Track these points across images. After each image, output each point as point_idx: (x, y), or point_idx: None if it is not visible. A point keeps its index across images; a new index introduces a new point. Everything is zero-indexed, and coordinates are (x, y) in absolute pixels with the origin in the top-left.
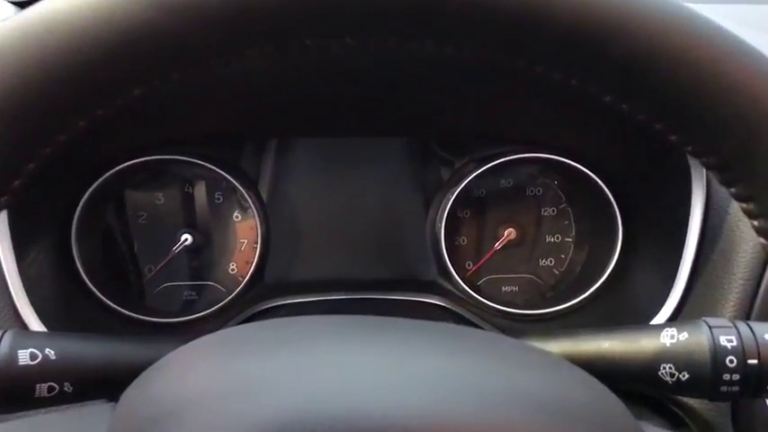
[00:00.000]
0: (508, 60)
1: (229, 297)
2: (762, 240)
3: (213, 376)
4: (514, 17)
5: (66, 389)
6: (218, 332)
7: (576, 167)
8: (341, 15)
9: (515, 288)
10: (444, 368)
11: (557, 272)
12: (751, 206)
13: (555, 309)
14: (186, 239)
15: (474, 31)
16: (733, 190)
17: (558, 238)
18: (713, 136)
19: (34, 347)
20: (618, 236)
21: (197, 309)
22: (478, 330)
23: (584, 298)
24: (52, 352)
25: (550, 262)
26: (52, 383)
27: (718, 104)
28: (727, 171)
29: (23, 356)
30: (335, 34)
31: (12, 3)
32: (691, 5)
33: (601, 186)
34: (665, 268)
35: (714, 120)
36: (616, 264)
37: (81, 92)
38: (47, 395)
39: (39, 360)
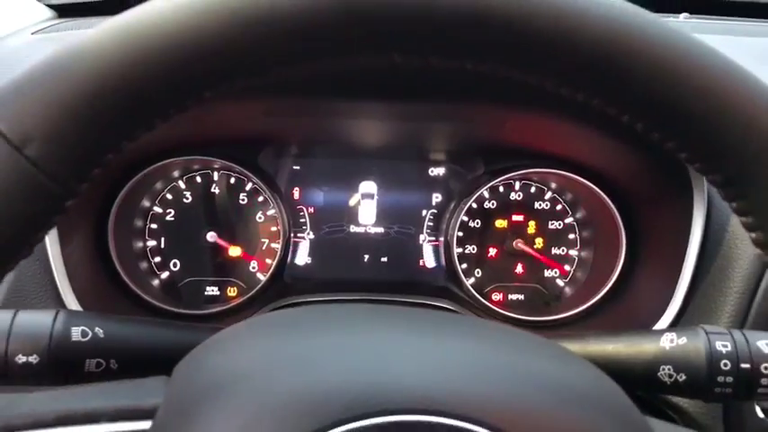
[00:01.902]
0: (537, 81)
1: (249, 294)
2: (759, 251)
3: (264, 351)
4: (546, 45)
5: (111, 365)
6: (266, 314)
7: (582, 182)
8: (389, 36)
9: (521, 296)
10: (473, 351)
11: (561, 283)
12: (750, 220)
13: (560, 316)
14: (211, 237)
15: (509, 55)
16: (734, 205)
17: (563, 250)
18: (719, 156)
19: (85, 326)
20: (621, 249)
21: (218, 303)
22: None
23: (589, 306)
24: (101, 331)
25: (556, 273)
26: (100, 360)
27: (725, 128)
28: (730, 187)
29: (76, 333)
30: (384, 52)
31: (48, 6)
32: (700, 38)
33: (606, 201)
34: (666, 280)
35: (721, 141)
36: (619, 275)
37: (161, 91)
38: (95, 370)
39: (89, 337)
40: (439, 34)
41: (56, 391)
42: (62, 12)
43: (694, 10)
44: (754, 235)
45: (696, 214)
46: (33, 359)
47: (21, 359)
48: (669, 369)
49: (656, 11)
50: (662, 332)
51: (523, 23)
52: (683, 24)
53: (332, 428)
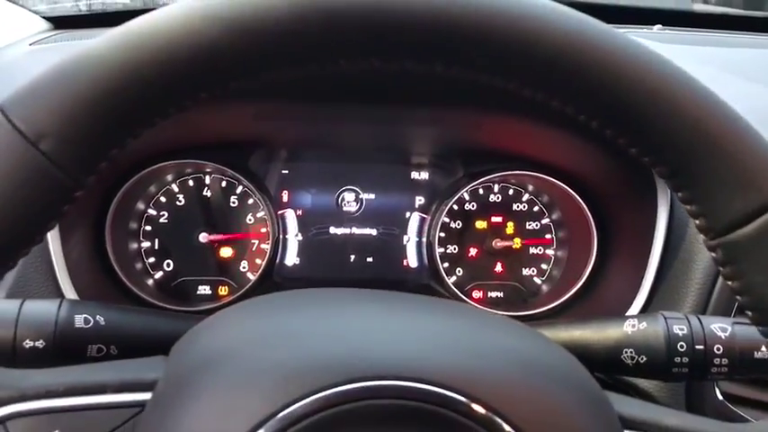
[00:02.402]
0: (503, 84)
1: (240, 292)
2: (701, 236)
3: (252, 329)
4: (508, 51)
5: (111, 351)
6: (254, 298)
7: (557, 184)
8: (369, 43)
9: (500, 294)
10: (444, 326)
11: (539, 281)
12: (693, 208)
13: (537, 311)
14: (203, 238)
15: (479, 58)
16: (680, 194)
17: (540, 249)
18: (664, 150)
19: (87, 314)
20: (593, 246)
21: (210, 301)
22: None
23: (563, 301)
24: (102, 319)
25: (533, 271)
26: (101, 345)
27: (669, 126)
28: (675, 179)
29: (79, 320)
30: (365, 57)
31: (45, 18)
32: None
33: (579, 202)
34: (633, 273)
35: (665, 138)
36: (591, 271)
37: (160, 92)
38: (96, 355)
39: (91, 324)
40: (414, 41)
41: (63, 368)
42: (58, 24)
43: (667, 22)
44: (697, 222)
45: (660, 212)
46: (40, 344)
47: (28, 344)
48: (631, 352)
49: (632, 23)
50: (625, 318)
51: (483, 35)
52: (656, 35)
53: (312, 395)
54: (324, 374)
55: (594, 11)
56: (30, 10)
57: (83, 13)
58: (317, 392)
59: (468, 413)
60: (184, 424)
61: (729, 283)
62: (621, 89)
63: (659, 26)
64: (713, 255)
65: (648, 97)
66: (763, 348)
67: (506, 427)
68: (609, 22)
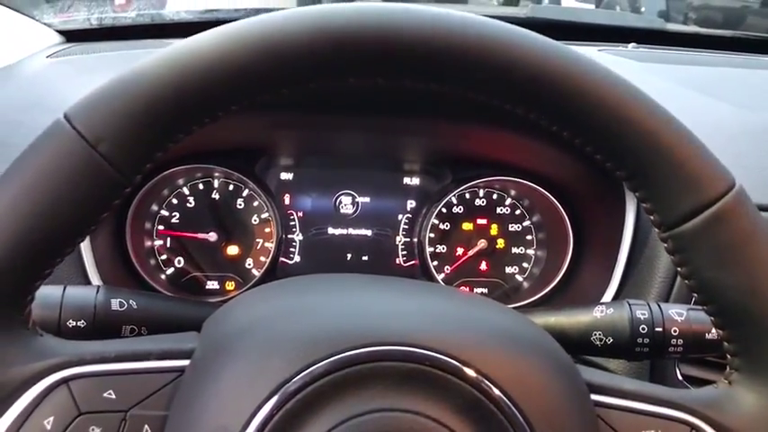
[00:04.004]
0: (488, 100)
1: (246, 287)
2: (656, 230)
3: (275, 306)
4: (488, 72)
5: (142, 331)
6: (276, 281)
7: (536, 189)
8: (373, 64)
9: (485, 290)
10: (436, 303)
11: (520, 278)
12: (648, 205)
13: (519, 304)
14: (211, 237)
15: (463, 78)
16: (637, 194)
17: (521, 249)
18: (622, 156)
19: (122, 299)
20: (569, 245)
21: (218, 295)
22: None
23: (542, 295)
24: (134, 303)
25: (515, 269)
26: (133, 326)
27: (624, 134)
28: (632, 180)
29: (114, 304)
30: (371, 76)
31: (58, 32)
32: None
33: (556, 205)
34: (605, 268)
35: (622, 145)
36: (567, 268)
37: (197, 106)
38: (129, 335)
39: (125, 308)
40: (411, 65)
41: (110, 341)
42: (69, 37)
43: (641, 40)
44: (652, 217)
45: (628, 214)
46: (81, 324)
47: (71, 323)
48: (600, 334)
49: (607, 40)
50: (594, 305)
51: (470, 63)
52: (630, 53)
53: (327, 358)
54: (337, 341)
55: (572, 29)
56: (42, 23)
57: (94, 27)
58: (331, 356)
59: (460, 375)
60: (220, 384)
61: (678, 269)
62: (588, 107)
63: (633, 44)
64: (665, 245)
65: (610, 113)
66: (713, 331)
67: (494, 388)
68: (586, 40)
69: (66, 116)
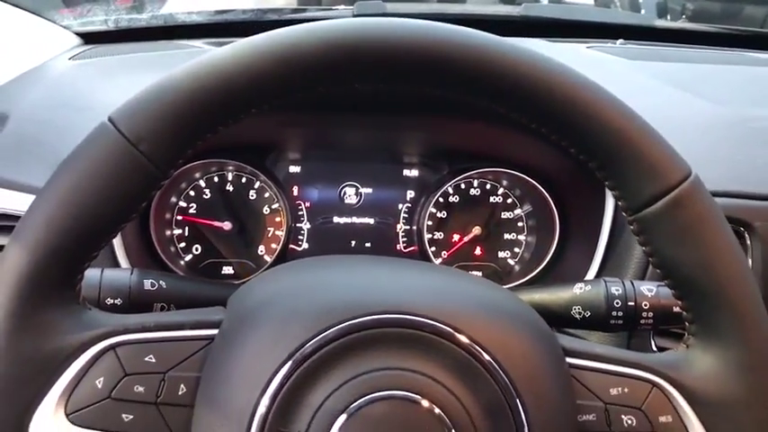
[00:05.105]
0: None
1: (258, 272)
2: (624, 214)
3: (294, 281)
4: (476, 77)
5: (171, 308)
6: (292, 261)
7: (527, 180)
8: (387, 71)
9: (479, 273)
10: (432, 279)
11: (512, 262)
12: (616, 192)
13: (510, 285)
14: (226, 226)
15: (459, 85)
16: (607, 182)
17: (513, 235)
18: (594, 149)
19: (153, 279)
20: (556, 231)
21: (233, 280)
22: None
23: (531, 277)
24: (164, 283)
25: (507, 254)
26: (163, 304)
27: (594, 131)
28: (602, 170)
29: (147, 284)
30: (383, 80)
31: (77, 34)
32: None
33: (544, 195)
34: (587, 251)
35: (594, 140)
36: (554, 252)
37: (224, 109)
38: (160, 311)
39: (156, 288)
40: (408, 72)
41: (147, 314)
42: (87, 39)
43: (630, 36)
44: (620, 203)
45: (608, 202)
46: (118, 301)
47: (109, 301)
48: (579, 308)
49: (596, 36)
50: (574, 283)
51: (460, 70)
52: (618, 49)
53: (338, 325)
54: (346, 311)
55: (562, 26)
56: (60, 25)
57: (111, 29)
58: (341, 323)
59: (453, 340)
60: (245, 349)
61: (643, 248)
62: (561, 108)
63: (622, 40)
64: (631, 227)
65: (581, 113)
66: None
67: (483, 352)
68: (574, 36)
69: (110, 119)
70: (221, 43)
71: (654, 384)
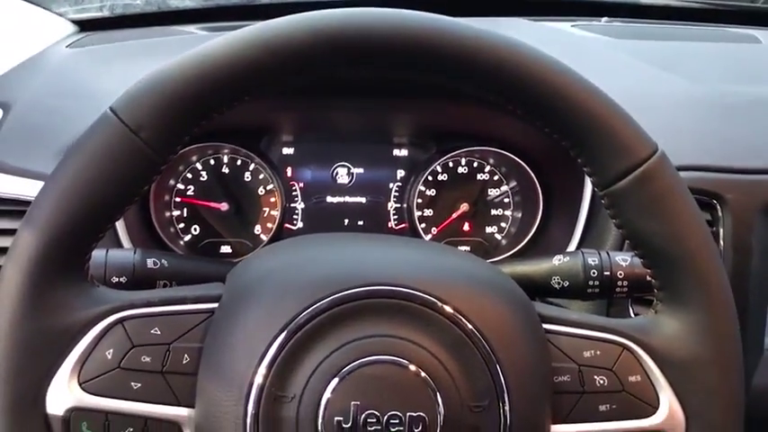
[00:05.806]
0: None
1: (255, 251)
2: (596, 189)
3: (288, 257)
4: (457, 62)
5: (173, 286)
6: (287, 239)
7: (512, 158)
8: (366, 57)
9: (468, 248)
10: (419, 253)
11: (498, 237)
12: (587, 169)
13: (497, 258)
14: (223, 207)
15: (443, 69)
16: (579, 159)
17: (500, 211)
18: (566, 129)
19: (155, 258)
20: (539, 207)
21: (230, 258)
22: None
23: (517, 251)
24: (166, 262)
25: (494, 229)
26: (166, 281)
27: (565, 112)
28: (575, 149)
29: (149, 263)
30: (363, 65)
31: (72, 21)
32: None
33: (528, 172)
34: (569, 225)
35: (565, 120)
36: (537, 227)
37: (218, 98)
38: (162, 288)
39: (158, 266)
40: (395, 58)
41: (151, 290)
42: (83, 26)
43: (614, 14)
44: (591, 179)
45: (587, 179)
46: (122, 279)
47: (114, 279)
48: (558, 279)
49: (580, 14)
50: (554, 255)
51: (444, 55)
52: (603, 27)
53: (329, 296)
54: (337, 283)
55: (546, 4)
56: (55, 12)
57: (106, 16)
58: (332, 295)
59: (438, 310)
60: (243, 320)
61: (613, 221)
62: (535, 90)
63: (606, 18)
64: (602, 201)
65: (553, 95)
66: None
67: (466, 321)
68: (558, 14)
69: (112, 109)
70: (215, 28)
71: (624, 347)
